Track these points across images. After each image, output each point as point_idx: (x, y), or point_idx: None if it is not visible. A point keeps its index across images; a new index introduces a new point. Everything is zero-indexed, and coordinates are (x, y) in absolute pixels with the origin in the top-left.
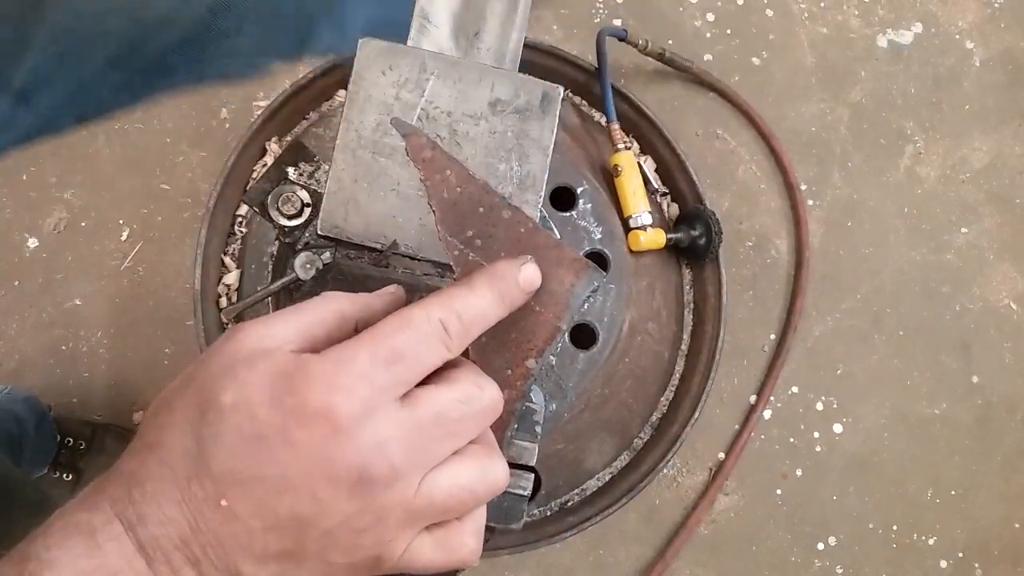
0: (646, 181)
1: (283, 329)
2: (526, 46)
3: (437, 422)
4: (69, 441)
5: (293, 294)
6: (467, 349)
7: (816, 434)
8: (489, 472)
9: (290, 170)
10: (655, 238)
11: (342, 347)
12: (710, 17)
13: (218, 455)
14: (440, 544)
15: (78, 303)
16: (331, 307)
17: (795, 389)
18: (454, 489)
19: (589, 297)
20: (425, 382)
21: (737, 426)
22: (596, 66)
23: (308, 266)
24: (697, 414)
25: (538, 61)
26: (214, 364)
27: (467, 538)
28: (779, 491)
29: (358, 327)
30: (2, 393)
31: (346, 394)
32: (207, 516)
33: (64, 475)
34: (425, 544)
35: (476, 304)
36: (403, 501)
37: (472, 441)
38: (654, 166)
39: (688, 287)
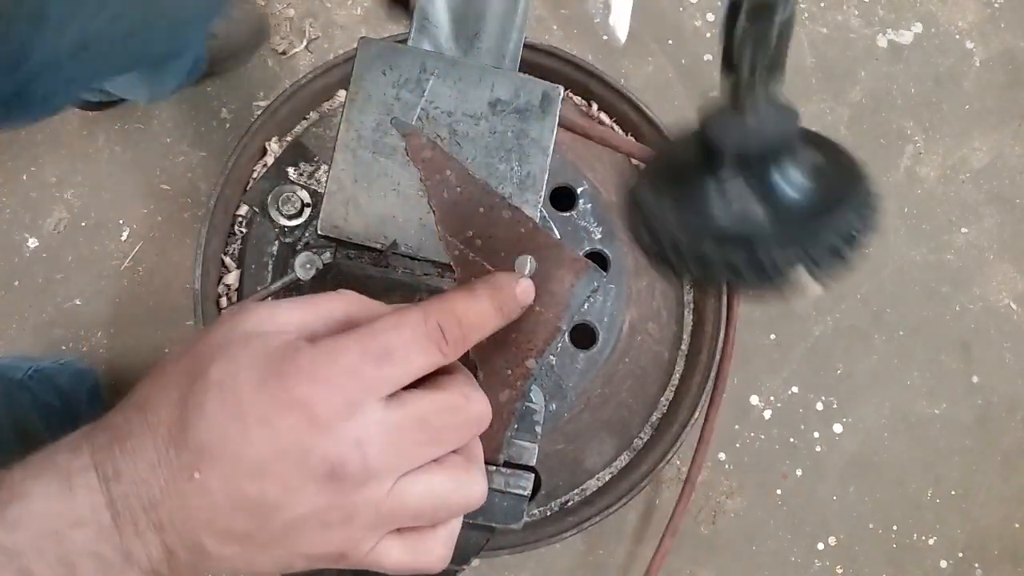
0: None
1: (286, 315)
2: (526, 46)
3: (419, 427)
4: None
5: (293, 294)
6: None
7: (816, 434)
8: (464, 485)
9: (290, 170)
10: None
11: (335, 338)
12: (710, 17)
13: (198, 427)
14: (408, 547)
15: (78, 303)
16: (340, 306)
17: (795, 389)
18: (426, 497)
19: (589, 297)
20: (415, 386)
21: (737, 426)
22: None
23: (308, 266)
24: (697, 414)
25: (538, 61)
26: (214, 337)
27: (436, 544)
28: (779, 491)
29: None
30: (55, 363)
31: (329, 387)
32: (179, 485)
33: None
34: (393, 545)
35: (476, 311)
36: (374, 502)
37: (456, 451)
38: None
39: (688, 287)
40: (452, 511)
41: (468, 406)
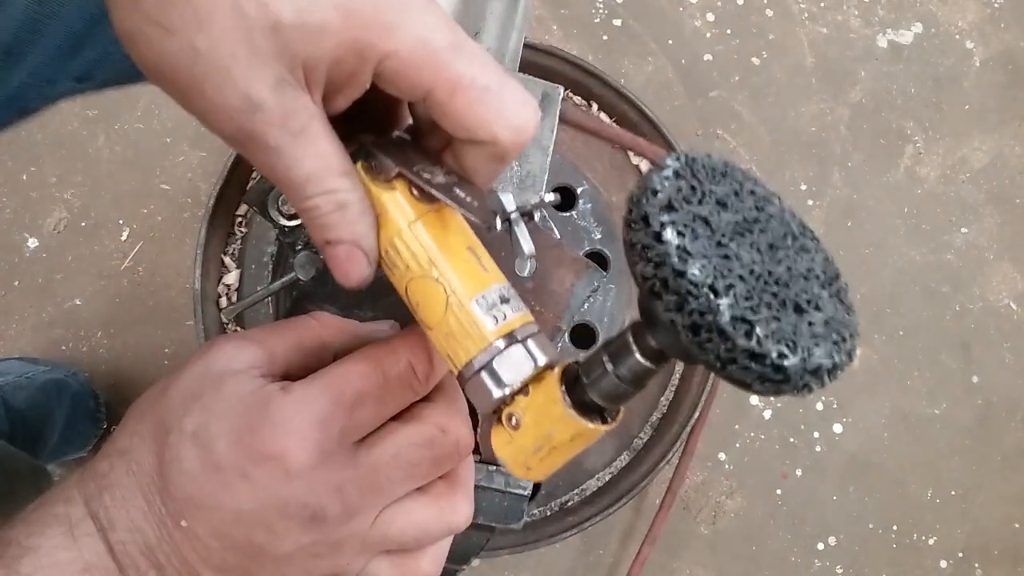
0: None
1: (257, 351)
2: (526, 46)
3: (395, 464)
4: (115, 429)
5: (293, 294)
6: None
7: (816, 434)
8: (446, 514)
9: None
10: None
11: (305, 386)
12: (710, 17)
13: (177, 480)
14: (396, 566)
15: (78, 303)
16: (313, 334)
17: None
18: (408, 527)
19: (589, 297)
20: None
21: (737, 426)
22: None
23: (308, 266)
24: (697, 414)
25: (538, 61)
26: (185, 380)
27: (424, 562)
28: (779, 491)
29: (337, 356)
30: (20, 377)
31: (302, 440)
32: (169, 530)
33: None
34: (382, 565)
35: None
36: (358, 534)
37: (442, 476)
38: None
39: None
40: (434, 538)
41: (444, 438)
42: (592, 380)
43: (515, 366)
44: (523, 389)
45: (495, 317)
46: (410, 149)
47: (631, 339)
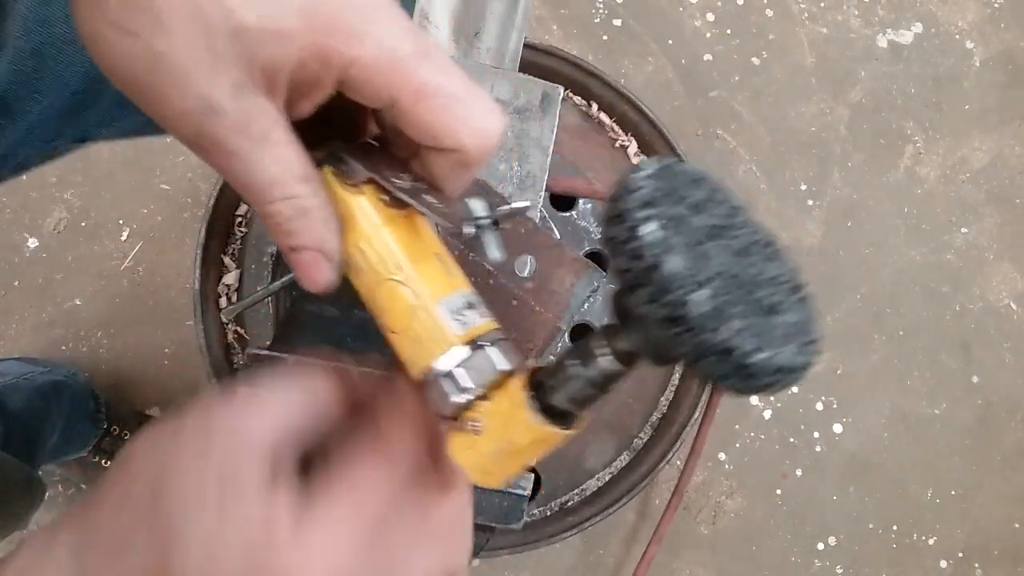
0: None
1: (258, 433)
2: (526, 46)
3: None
4: (115, 429)
5: (293, 293)
6: None
7: (816, 434)
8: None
9: None
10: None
11: (322, 522)
12: (710, 17)
13: None
14: None
15: (78, 303)
16: (315, 409)
17: (795, 389)
18: None
19: (589, 297)
20: None
21: (737, 426)
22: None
23: None
24: (697, 414)
25: (538, 61)
26: (185, 479)
27: None
28: (779, 491)
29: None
30: (18, 379)
31: None
32: None
33: (103, 460)
34: None
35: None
36: None
37: None
38: None
39: None
40: None
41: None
42: (559, 383)
43: (479, 371)
44: (486, 394)
45: (461, 322)
46: (378, 156)
47: (603, 341)
